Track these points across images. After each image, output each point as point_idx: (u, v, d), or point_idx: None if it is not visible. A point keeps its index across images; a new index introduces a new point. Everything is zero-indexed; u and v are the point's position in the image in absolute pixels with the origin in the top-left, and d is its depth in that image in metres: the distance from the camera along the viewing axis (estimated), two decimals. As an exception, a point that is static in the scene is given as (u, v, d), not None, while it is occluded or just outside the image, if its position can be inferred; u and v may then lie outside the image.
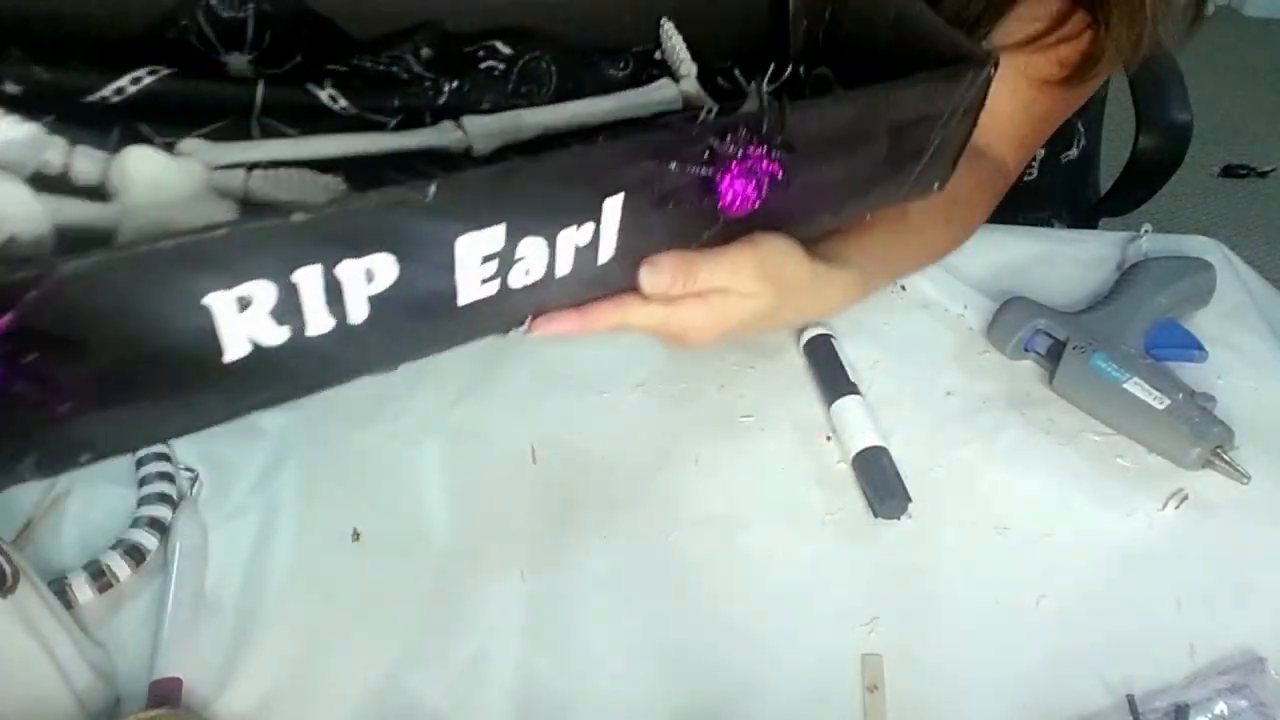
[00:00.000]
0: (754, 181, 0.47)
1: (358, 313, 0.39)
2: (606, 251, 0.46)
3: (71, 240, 0.39)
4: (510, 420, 0.71)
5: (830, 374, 0.72)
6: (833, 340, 0.74)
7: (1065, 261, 0.84)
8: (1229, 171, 2.35)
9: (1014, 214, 0.99)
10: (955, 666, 0.56)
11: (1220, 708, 0.53)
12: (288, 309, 0.37)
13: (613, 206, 0.44)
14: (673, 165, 0.44)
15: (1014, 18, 0.68)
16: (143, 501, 0.63)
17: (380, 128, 0.50)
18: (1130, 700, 0.54)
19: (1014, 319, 0.74)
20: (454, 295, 0.41)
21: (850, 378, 0.71)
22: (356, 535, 0.64)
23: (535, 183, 0.40)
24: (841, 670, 0.56)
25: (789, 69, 0.60)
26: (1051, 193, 1.01)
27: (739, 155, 0.46)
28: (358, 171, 0.48)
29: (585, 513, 0.65)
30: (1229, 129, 2.47)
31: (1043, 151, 0.95)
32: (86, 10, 0.45)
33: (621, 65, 0.57)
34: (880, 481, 0.65)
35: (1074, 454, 0.68)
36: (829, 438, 0.70)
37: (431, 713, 0.55)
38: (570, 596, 0.60)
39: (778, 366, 0.75)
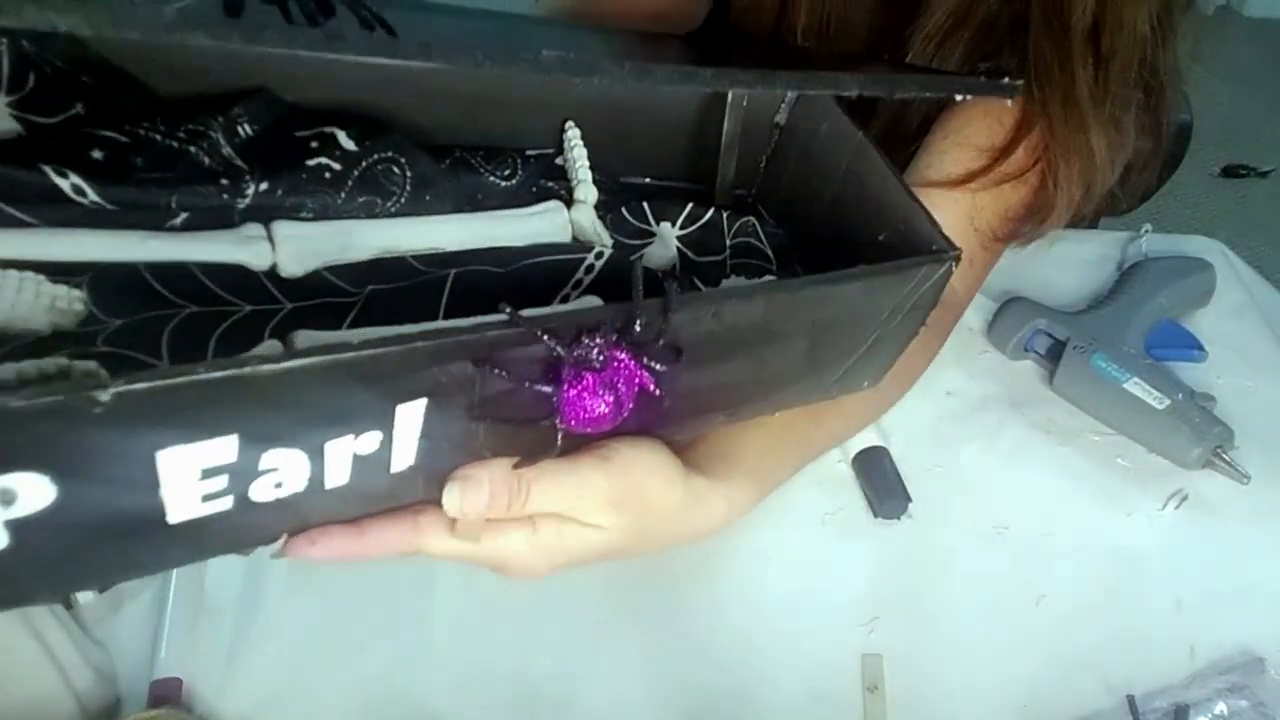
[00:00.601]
0: (613, 397, 0.36)
1: None
2: (403, 460, 0.35)
3: None
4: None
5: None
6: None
7: (1065, 261, 0.84)
8: (1229, 171, 2.35)
9: None
10: (955, 666, 0.56)
11: (1220, 708, 0.53)
12: None
13: (410, 413, 0.33)
14: (499, 373, 0.33)
15: (954, 145, 0.61)
16: (143, 501, 0.63)
17: (155, 224, 0.38)
18: (1130, 700, 0.54)
19: (1014, 319, 0.74)
20: (162, 514, 0.31)
21: (850, 378, 0.71)
22: (356, 535, 0.64)
23: (284, 390, 0.30)
24: (841, 670, 0.56)
25: (709, 213, 0.49)
26: None
27: (597, 364, 0.35)
28: (114, 282, 0.36)
29: (585, 513, 0.65)
30: (1229, 129, 2.47)
31: None
32: None
33: (506, 172, 0.46)
34: (880, 481, 0.65)
35: (1074, 454, 0.68)
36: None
37: (431, 713, 0.55)
38: (570, 596, 0.60)
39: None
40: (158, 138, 0.39)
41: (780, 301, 0.38)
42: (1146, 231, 0.84)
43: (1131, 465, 0.67)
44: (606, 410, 0.36)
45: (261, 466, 0.32)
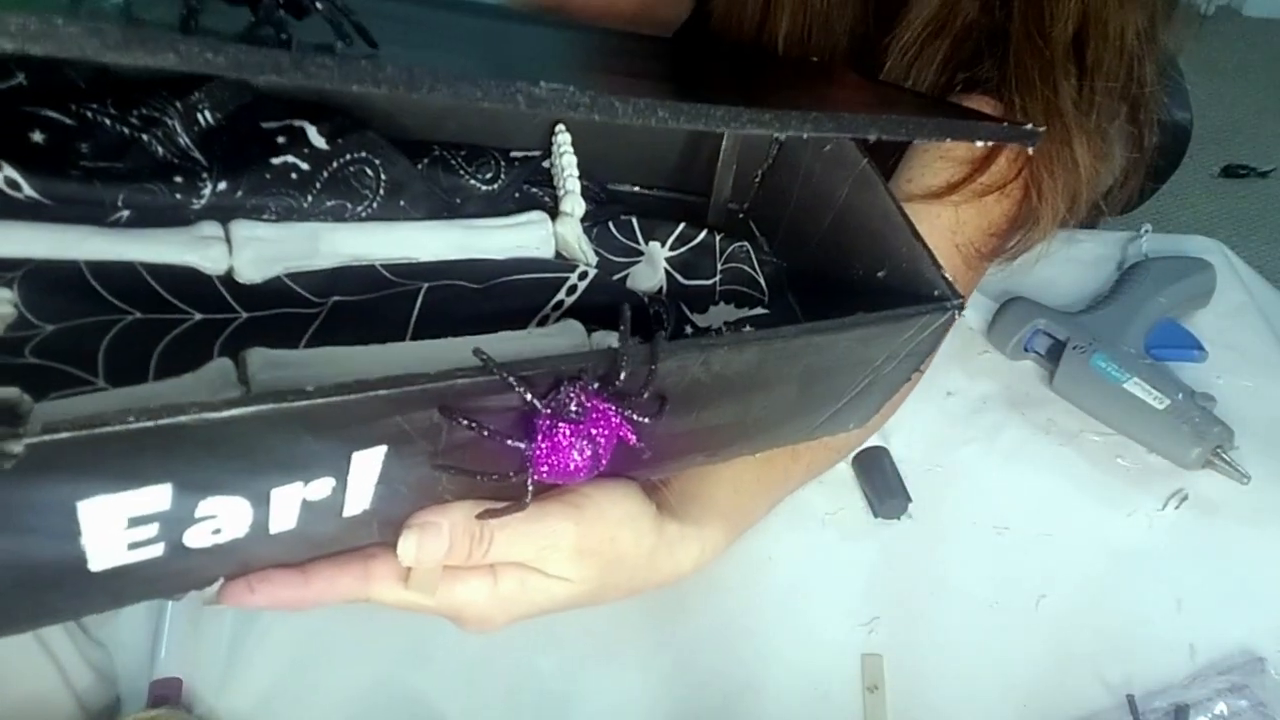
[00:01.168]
0: (590, 450, 0.33)
1: None
2: (357, 505, 0.33)
3: None
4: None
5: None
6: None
7: (1065, 261, 0.84)
8: (1229, 171, 2.35)
9: None
10: (955, 666, 0.56)
11: (1220, 708, 0.53)
12: None
13: (368, 460, 0.31)
14: (467, 424, 0.30)
15: (935, 157, 0.60)
16: (143, 501, 0.63)
17: (97, 219, 0.34)
18: (1130, 700, 0.54)
19: (1014, 319, 0.74)
20: (84, 562, 0.28)
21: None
22: (356, 535, 0.64)
23: (227, 438, 0.27)
24: (841, 670, 0.56)
25: (701, 234, 0.47)
26: None
27: (575, 415, 0.32)
28: (49, 281, 0.33)
29: (585, 513, 0.65)
30: (1229, 129, 2.47)
31: None
32: None
33: (489, 175, 0.43)
34: (880, 481, 0.65)
35: (1074, 454, 0.68)
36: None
37: (431, 713, 0.55)
38: (570, 596, 0.60)
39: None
40: (107, 121, 0.35)
41: (774, 350, 0.36)
42: (1146, 231, 0.84)
43: (1131, 465, 0.67)
44: (583, 463, 0.33)
45: (198, 514, 0.29)
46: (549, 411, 0.32)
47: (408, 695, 0.56)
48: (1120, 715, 0.53)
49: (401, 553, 0.35)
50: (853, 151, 0.44)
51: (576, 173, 0.44)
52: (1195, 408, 0.66)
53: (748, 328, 0.45)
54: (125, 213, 0.35)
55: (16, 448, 0.23)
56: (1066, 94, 0.56)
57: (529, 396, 0.31)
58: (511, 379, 0.30)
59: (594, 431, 0.33)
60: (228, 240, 0.36)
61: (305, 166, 0.38)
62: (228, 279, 0.36)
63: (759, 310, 0.46)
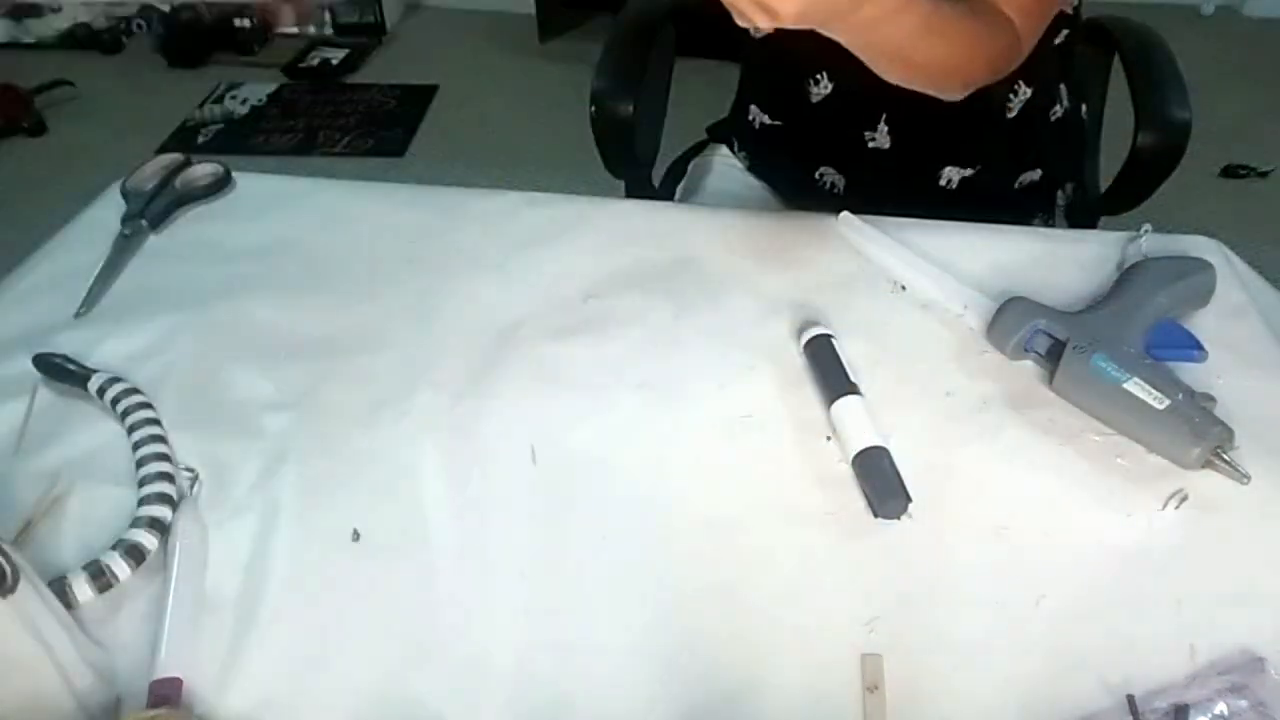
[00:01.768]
0: None
1: None
2: None
3: None
4: (510, 420, 0.71)
5: (830, 374, 0.72)
6: (833, 340, 0.74)
7: (1065, 261, 0.84)
8: (1229, 171, 2.34)
9: (1011, 174, 0.99)
10: (955, 666, 0.56)
11: (1220, 708, 0.53)
12: None
13: None
14: None
15: None
16: (143, 501, 0.64)
17: None
18: (1130, 700, 0.53)
19: (1014, 319, 0.74)
20: None
21: (850, 378, 0.71)
22: (356, 535, 0.64)
23: None
24: (841, 670, 0.56)
25: None
26: (1040, 150, 1.02)
27: None
28: None
29: (585, 513, 0.65)
30: (1229, 129, 2.47)
31: (1028, 91, 0.96)
32: None
33: None
34: (880, 481, 0.65)
35: (1074, 454, 0.68)
36: (829, 438, 0.70)
37: (431, 713, 0.55)
38: (570, 596, 0.60)
39: (778, 366, 0.75)
40: None
41: None
42: (1146, 231, 0.84)
43: (1131, 465, 0.67)
44: None
45: None
46: None
47: (408, 695, 0.56)
48: (1120, 715, 0.53)
49: None
50: None
51: None
52: (1195, 408, 0.66)
53: None
54: None
55: None
56: None
57: None
58: None
59: None
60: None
61: None
62: None
63: None
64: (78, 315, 0.82)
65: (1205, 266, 0.78)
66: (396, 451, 0.69)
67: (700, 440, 0.69)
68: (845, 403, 0.69)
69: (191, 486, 0.67)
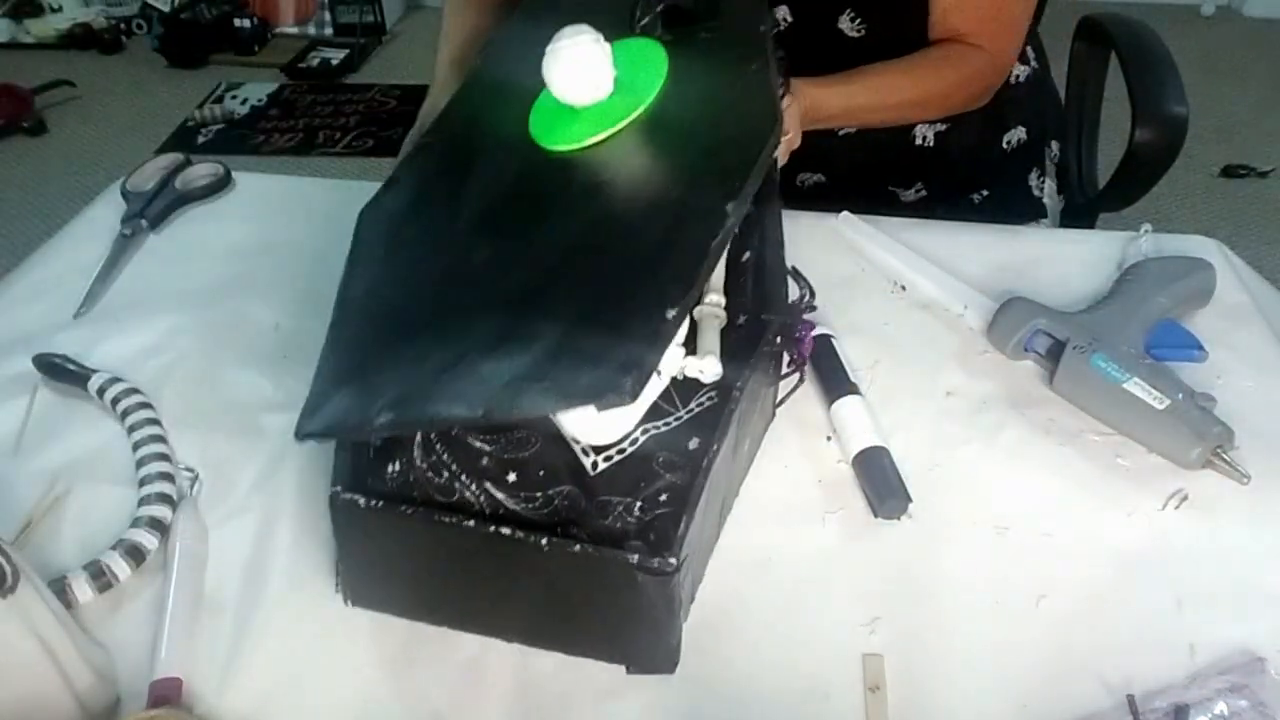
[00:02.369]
0: None
1: None
2: None
3: None
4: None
5: (830, 374, 0.72)
6: (833, 340, 0.74)
7: (1065, 261, 0.84)
8: (1229, 171, 2.34)
9: (993, 130, 1.01)
10: (956, 666, 0.56)
11: (1220, 708, 0.53)
12: None
13: None
14: None
15: None
16: (143, 501, 0.63)
17: None
18: (1130, 700, 0.53)
19: (1014, 319, 0.74)
20: None
21: (850, 378, 0.71)
22: (356, 535, 0.64)
23: None
24: (842, 670, 0.56)
25: None
26: (1016, 109, 1.03)
27: None
28: None
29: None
30: (1229, 129, 2.47)
31: None
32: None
33: None
34: (881, 481, 0.65)
35: (1074, 454, 0.68)
36: (829, 438, 0.70)
37: (431, 713, 0.55)
38: (570, 596, 0.60)
39: (778, 366, 0.75)
40: None
41: None
42: (1146, 231, 0.84)
43: (1131, 465, 0.67)
44: None
45: None
46: None
47: (407, 696, 0.56)
48: (1120, 715, 0.53)
49: None
50: None
51: None
52: (1195, 408, 0.66)
53: None
54: None
55: None
56: None
57: None
58: None
59: None
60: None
61: None
62: None
63: None
64: (78, 315, 0.82)
65: (1205, 266, 0.78)
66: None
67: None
68: (845, 403, 0.69)
69: (191, 486, 0.67)
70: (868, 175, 1.02)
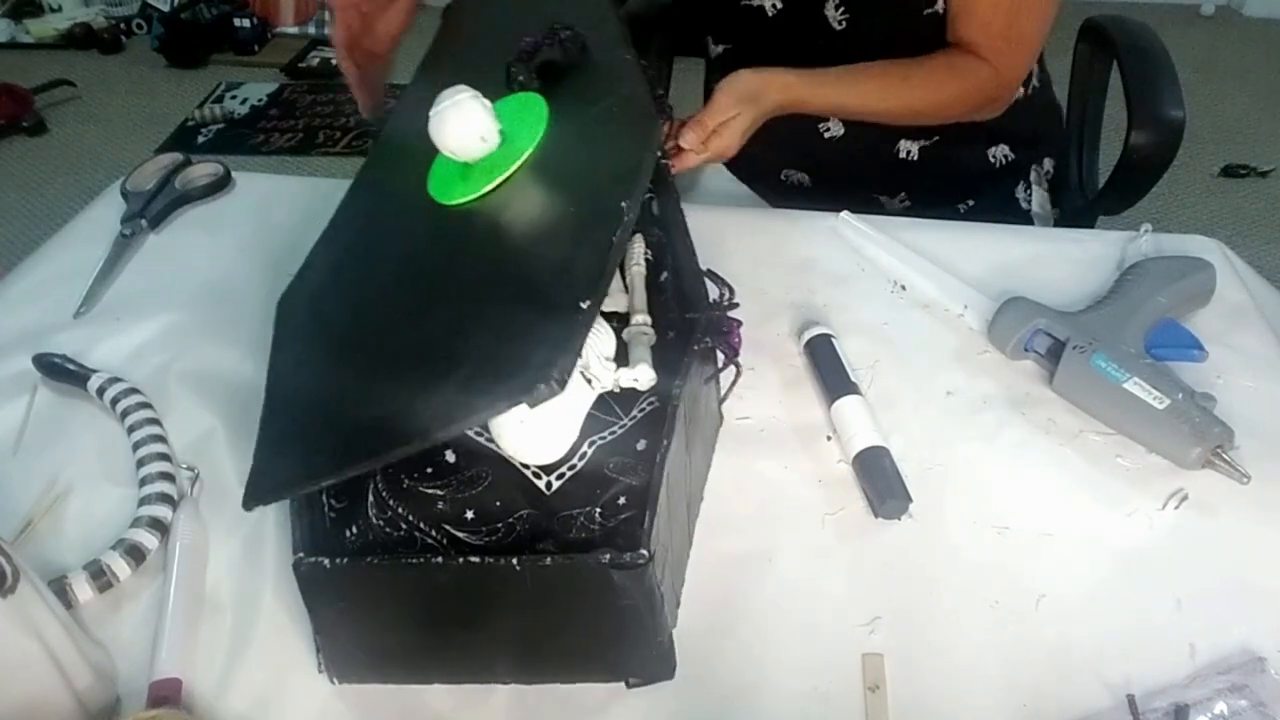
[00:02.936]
0: None
1: None
2: None
3: None
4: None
5: (830, 374, 0.72)
6: (833, 340, 0.74)
7: (1065, 261, 0.84)
8: (1229, 171, 2.34)
9: (976, 147, 1.01)
10: (956, 666, 0.56)
11: (1220, 708, 0.53)
12: None
13: None
14: None
15: None
16: (143, 501, 0.63)
17: None
18: (1130, 700, 0.53)
19: (1014, 319, 0.74)
20: None
21: (850, 378, 0.71)
22: (356, 535, 0.64)
23: None
24: (842, 670, 0.56)
25: None
26: (1002, 127, 1.02)
27: None
28: None
29: (585, 513, 0.65)
30: (1229, 129, 2.47)
31: None
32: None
33: None
34: (881, 481, 0.65)
35: (1074, 454, 0.68)
36: (829, 438, 0.70)
37: (431, 713, 0.55)
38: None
39: (778, 367, 0.75)
40: None
41: None
42: (1146, 231, 0.84)
43: (1131, 465, 0.67)
44: None
45: None
46: None
47: (408, 696, 0.56)
48: (1120, 715, 0.53)
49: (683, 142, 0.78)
50: None
51: None
52: (1195, 408, 0.66)
53: None
54: None
55: None
56: None
57: None
58: None
59: None
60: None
61: None
62: None
63: None
64: (78, 315, 0.82)
65: (1205, 266, 0.78)
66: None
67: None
68: (845, 403, 0.69)
69: (192, 486, 0.67)
70: (851, 180, 1.01)
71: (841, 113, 0.92)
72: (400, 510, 0.57)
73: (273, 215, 0.93)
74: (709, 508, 0.65)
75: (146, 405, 0.71)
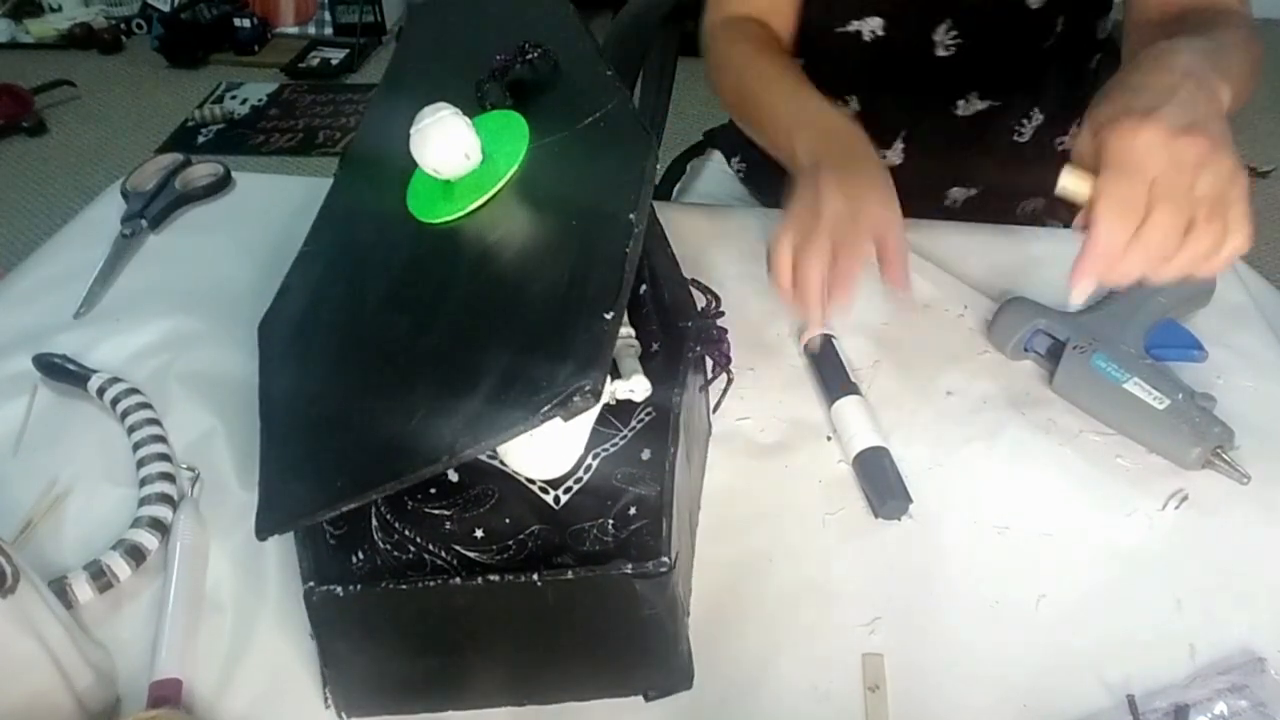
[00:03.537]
0: None
1: None
2: None
3: None
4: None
5: (830, 374, 0.72)
6: (833, 340, 0.74)
7: (1065, 261, 0.83)
8: (1229, 171, 2.35)
9: (1013, 198, 0.99)
10: (956, 666, 0.56)
11: (1220, 708, 0.53)
12: None
13: None
14: None
15: None
16: (143, 501, 0.63)
17: None
18: (1130, 700, 0.53)
19: (1014, 319, 0.74)
20: None
21: (850, 378, 0.71)
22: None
23: None
24: (842, 670, 0.56)
25: None
26: (1045, 178, 1.01)
27: None
28: None
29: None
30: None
31: (1041, 118, 0.96)
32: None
33: None
34: (881, 481, 0.65)
35: (1074, 454, 0.68)
36: (829, 437, 0.70)
37: (431, 713, 0.55)
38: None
39: (778, 367, 0.75)
40: None
41: None
42: (1146, 231, 0.83)
43: (1131, 465, 0.67)
44: None
45: None
46: None
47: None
48: (1120, 715, 0.53)
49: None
50: None
51: None
52: (1195, 408, 0.66)
53: None
54: None
55: None
56: None
57: None
58: None
59: None
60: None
61: None
62: None
63: None
64: (78, 315, 0.82)
65: (1205, 266, 0.77)
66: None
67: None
68: (845, 403, 0.69)
69: (192, 486, 0.67)
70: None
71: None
72: (407, 533, 0.56)
73: (273, 215, 0.93)
74: (709, 509, 0.65)
75: (146, 405, 0.71)
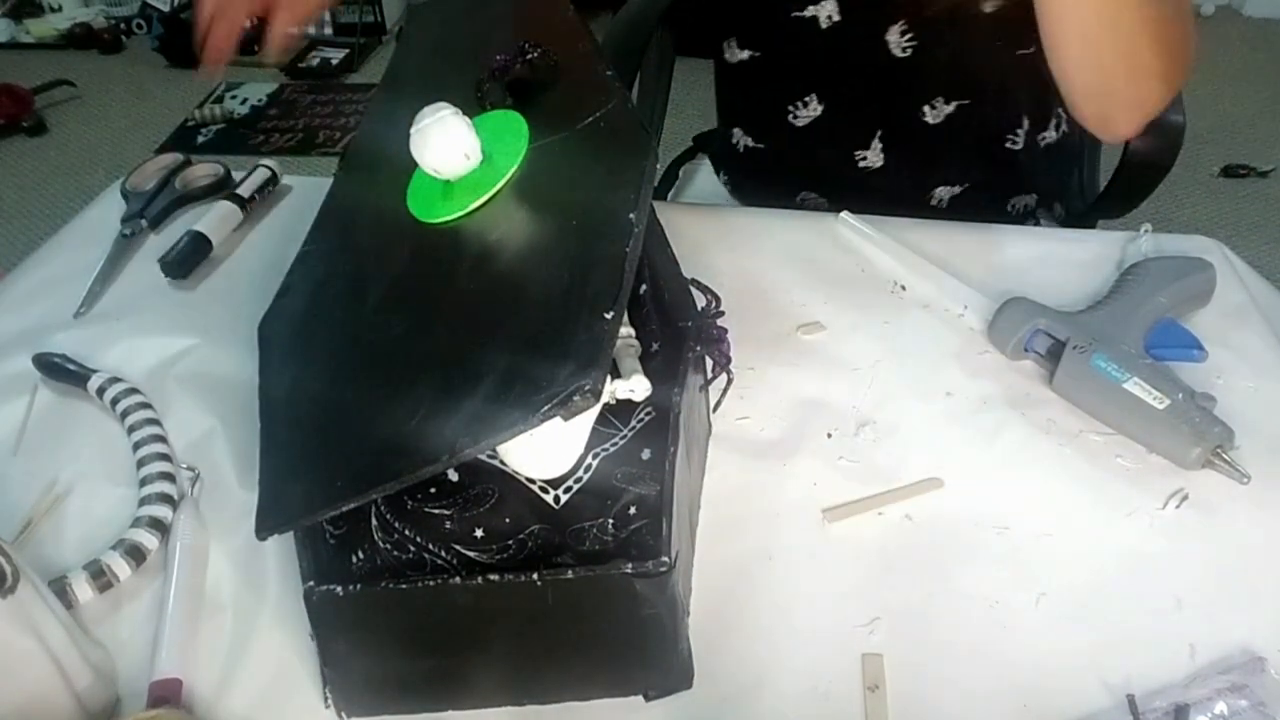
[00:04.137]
0: None
1: None
2: None
3: None
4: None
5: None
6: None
7: (1065, 261, 0.84)
8: (1229, 171, 2.35)
9: (1002, 196, 0.99)
10: (955, 666, 0.56)
11: (1220, 708, 0.53)
12: None
13: None
14: None
15: None
16: (143, 501, 0.63)
17: None
18: (1130, 700, 0.53)
19: (1014, 319, 0.74)
20: None
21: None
22: (356, 535, 0.64)
23: None
24: (842, 670, 0.56)
25: None
26: (1033, 175, 1.01)
27: None
28: None
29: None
30: (1229, 129, 2.47)
31: (1027, 123, 0.96)
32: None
33: None
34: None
35: (1074, 454, 0.68)
36: (829, 435, 0.70)
37: (435, 716, 0.55)
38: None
39: (778, 366, 0.75)
40: None
41: None
42: (1146, 231, 0.84)
43: (1131, 465, 0.67)
44: None
45: None
46: None
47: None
48: (1120, 715, 0.53)
49: None
50: None
51: None
52: (1195, 408, 0.66)
53: None
54: None
55: None
56: None
57: None
58: None
59: None
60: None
61: None
62: None
63: None
64: (78, 315, 0.82)
65: (1205, 266, 0.78)
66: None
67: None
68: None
69: (192, 486, 0.67)
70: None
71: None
72: (407, 532, 0.57)
73: (273, 215, 0.93)
74: (709, 508, 0.65)
75: (146, 405, 0.71)
